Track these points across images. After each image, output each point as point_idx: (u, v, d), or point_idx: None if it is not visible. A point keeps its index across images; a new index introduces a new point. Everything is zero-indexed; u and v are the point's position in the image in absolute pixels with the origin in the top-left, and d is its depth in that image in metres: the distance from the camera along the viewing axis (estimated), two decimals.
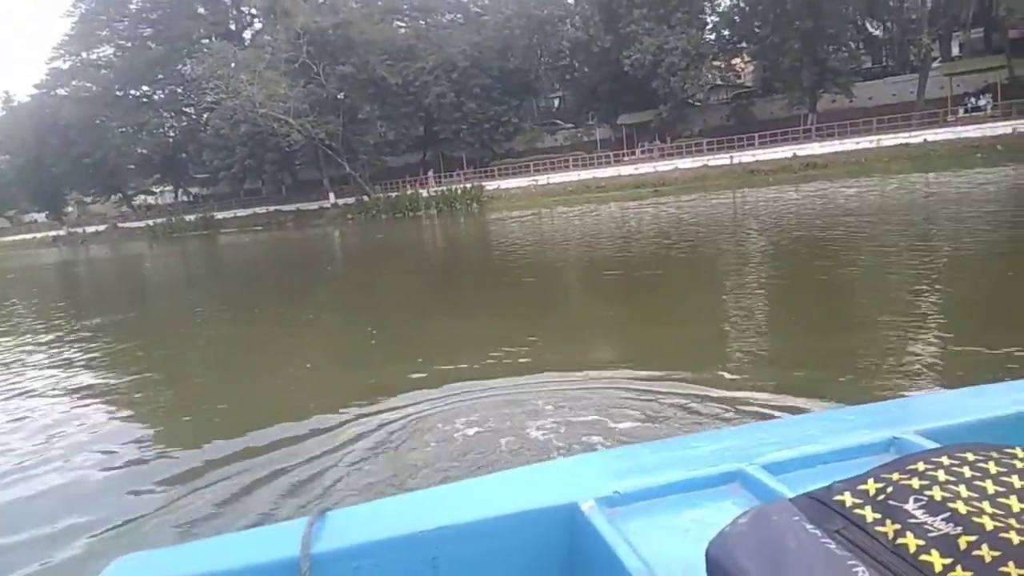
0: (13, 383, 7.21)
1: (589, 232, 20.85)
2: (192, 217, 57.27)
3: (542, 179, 45.55)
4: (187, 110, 60.36)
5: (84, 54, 63.54)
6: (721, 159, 40.06)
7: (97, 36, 62.75)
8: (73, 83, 62.03)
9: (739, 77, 49.44)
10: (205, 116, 53.24)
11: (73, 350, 8.81)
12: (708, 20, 43.81)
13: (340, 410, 4.87)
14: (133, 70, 59.27)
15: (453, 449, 3.93)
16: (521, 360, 5.87)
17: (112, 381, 7.00)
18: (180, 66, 57.55)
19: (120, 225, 63.20)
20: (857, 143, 36.42)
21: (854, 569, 0.51)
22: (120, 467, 4.45)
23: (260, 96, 42.68)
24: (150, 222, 59.54)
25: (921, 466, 0.61)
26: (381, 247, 25.79)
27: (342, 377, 6.36)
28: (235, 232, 50.02)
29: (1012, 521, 0.51)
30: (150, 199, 69.89)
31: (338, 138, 46.20)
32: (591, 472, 1.16)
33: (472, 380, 5.27)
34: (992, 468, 0.59)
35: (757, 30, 40.91)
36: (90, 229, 64.34)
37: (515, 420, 4.29)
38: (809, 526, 0.58)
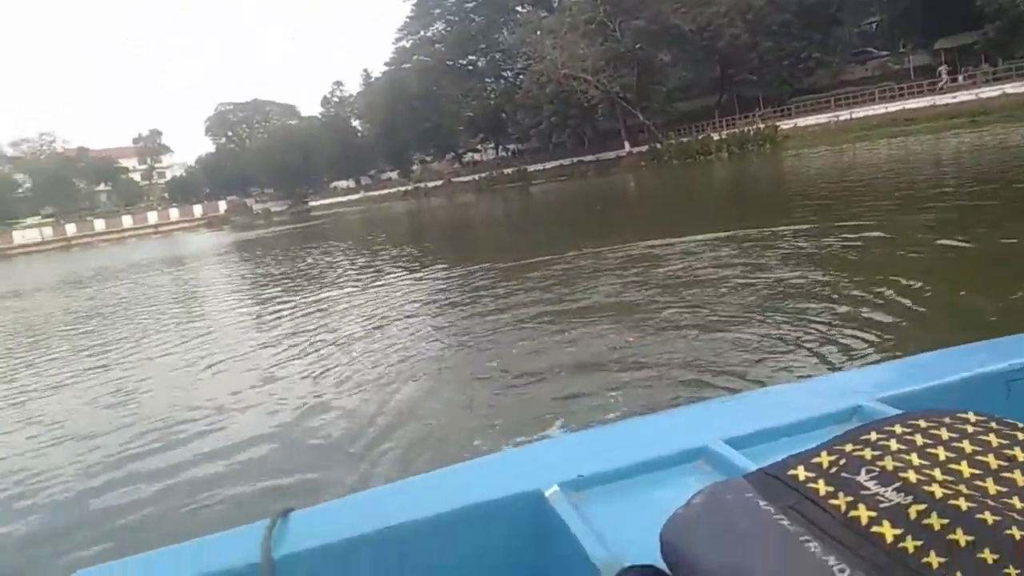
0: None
1: (877, 167, 20.76)
2: (509, 170, 64.93)
3: (844, 114, 43.45)
4: (505, 74, 67.78)
5: (422, 32, 74.49)
6: None
7: (431, 15, 72.94)
8: (415, 58, 73.24)
9: None
10: (519, 79, 59.65)
11: (421, 258, 13.26)
12: None
13: None
14: (460, 43, 68.41)
15: None
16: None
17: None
18: (497, 35, 64.83)
19: (454, 180, 73.66)
20: None
21: (807, 544, 0.51)
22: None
23: (562, 58, 47.19)
24: (476, 176, 68.79)
25: (874, 436, 0.62)
26: (658, 191, 28.34)
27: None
28: (544, 182, 55.85)
29: (962, 487, 0.52)
30: (476, 156, 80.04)
31: (632, 89, 49.00)
32: (556, 457, 1.15)
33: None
34: (944, 434, 0.60)
35: None
36: (431, 184, 75.91)
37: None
38: (762, 503, 0.58)
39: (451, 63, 69.02)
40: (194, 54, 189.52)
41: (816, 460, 0.61)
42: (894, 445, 0.59)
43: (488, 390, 4.76)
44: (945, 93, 39.33)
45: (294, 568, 0.93)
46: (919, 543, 0.47)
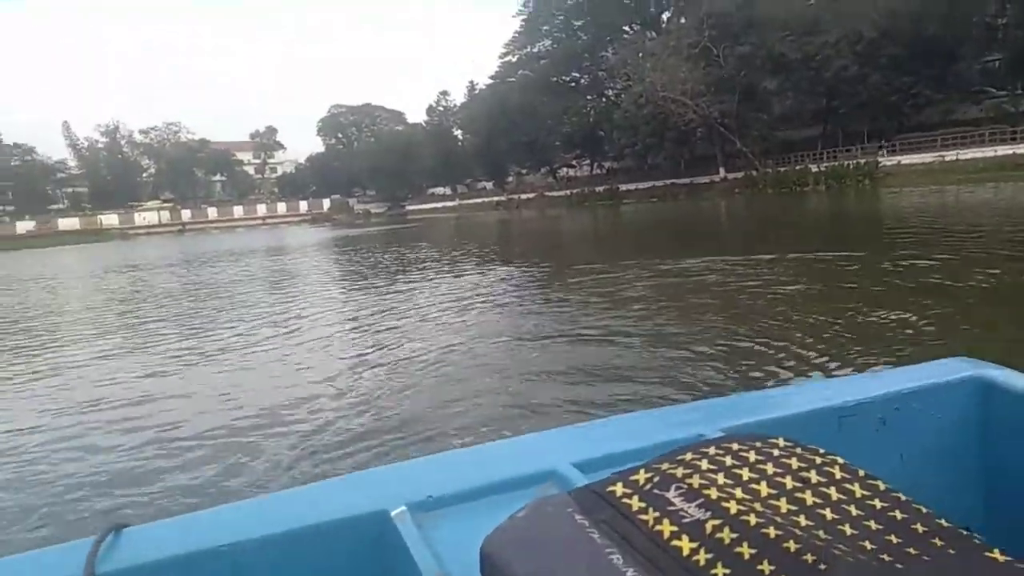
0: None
1: (973, 211, 20.16)
2: (601, 188, 65.84)
3: (950, 155, 42.20)
4: (607, 93, 68.74)
5: (528, 48, 76.61)
6: None
7: (539, 32, 74.87)
8: (519, 73, 75.43)
9: None
10: (620, 97, 60.48)
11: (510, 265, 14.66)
12: None
13: None
14: (565, 59, 70.08)
15: None
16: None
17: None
18: (603, 53, 66.00)
19: (546, 194, 75.10)
20: None
21: (610, 556, 0.54)
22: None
23: (662, 80, 47.81)
24: (569, 192, 70.04)
25: (689, 456, 0.65)
26: (745, 218, 28.64)
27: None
28: (634, 202, 56.41)
29: (756, 505, 0.55)
30: (571, 171, 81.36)
31: (732, 115, 49.11)
32: (407, 479, 1.13)
33: None
34: (752, 457, 0.64)
35: None
36: (524, 196, 77.66)
37: None
38: (579, 517, 0.61)
39: (554, 79, 70.63)
40: (313, 58, 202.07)
41: (634, 478, 0.65)
42: (704, 465, 0.63)
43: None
44: None
45: None
46: (710, 556, 0.51)
